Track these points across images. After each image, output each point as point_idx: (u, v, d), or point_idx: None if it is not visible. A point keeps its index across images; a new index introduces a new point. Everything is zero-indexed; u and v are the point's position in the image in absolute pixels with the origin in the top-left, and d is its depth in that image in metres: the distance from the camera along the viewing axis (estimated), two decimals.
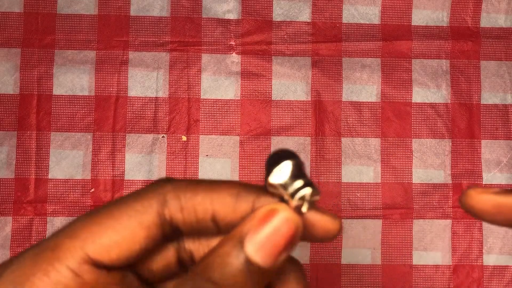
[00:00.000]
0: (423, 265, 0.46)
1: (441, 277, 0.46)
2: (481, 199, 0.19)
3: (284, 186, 0.18)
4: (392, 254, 0.46)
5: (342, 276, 0.46)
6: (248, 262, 0.17)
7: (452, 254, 0.46)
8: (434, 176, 0.47)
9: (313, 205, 0.19)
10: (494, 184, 0.47)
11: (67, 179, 0.46)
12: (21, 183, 0.45)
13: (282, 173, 0.18)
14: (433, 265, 0.46)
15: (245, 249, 0.17)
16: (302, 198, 0.18)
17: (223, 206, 0.18)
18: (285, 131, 0.47)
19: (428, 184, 0.47)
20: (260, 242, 0.17)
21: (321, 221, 0.19)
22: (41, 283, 0.16)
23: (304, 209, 0.18)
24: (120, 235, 0.17)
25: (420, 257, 0.46)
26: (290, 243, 0.18)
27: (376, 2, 0.48)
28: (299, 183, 0.18)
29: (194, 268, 0.17)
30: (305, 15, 0.48)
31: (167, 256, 0.19)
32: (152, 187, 0.18)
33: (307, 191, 0.18)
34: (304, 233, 0.19)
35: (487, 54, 0.48)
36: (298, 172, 0.18)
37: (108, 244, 0.17)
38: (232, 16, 0.48)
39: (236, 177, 0.46)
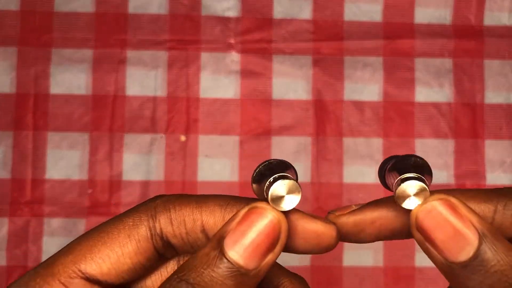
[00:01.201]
0: (426, 266, 0.46)
1: (444, 279, 0.46)
2: (341, 223, 0.19)
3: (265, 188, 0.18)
4: (394, 256, 0.46)
5: (344, 279, 0.46)
6: (228, 263, 0.16)
7: None
8: (437, 177, 0.47)
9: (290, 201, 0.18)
10: (497, 185, 0.47)
11: (64, 180, 0.45)
12: (18, 183, 0.45)
13: (262, 175, 0.18)
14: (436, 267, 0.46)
15: (223, 248, 0.16)
16: (278, 195, 0.17)
17: (212, 216, 0.18)
18: (286, 131, 0.47)
19: (431, 185, 0.47)
20: (239, 240, 0.16)
21: (312, 228, 0.18)
22: None
23: (285, 206, 0.17)
24: (110, 249, 0.17)
25: (423, 259, 0.46)
26: (271, 241, 0.17)
27: None
28: (272, 178, 0.17)
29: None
30: (306, 13, 0.48)
31: (166, 275, 0.19)
32: (143, 203, 0.19)
33: (280, 184, 0.17)
34: (296, 242, 0.18)
35: (490, 52, 0.48)
36: (278, 171, 0.18)
37: (99, 257, 0.17)
38: (231, 13, 0.47)
39: (235, 178, 0.46)
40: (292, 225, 0.18)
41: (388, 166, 0.19)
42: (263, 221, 0.17)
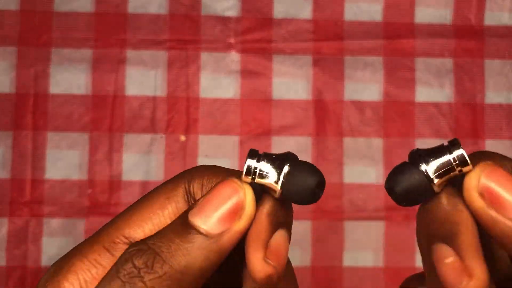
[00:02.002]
0: None
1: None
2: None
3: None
4: (394, 256, 0.46)
5: (344, 279, 0.45)
6: (193, 230, 0.17)
7: None
8: None
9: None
10: None
11: (63, 180, 0.45)
12: (17, 184, 0.45)
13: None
14: None
15: (188, 216, 0.17)
16: (250, 171, 0.17)
17: None
18: (286, 131, 0.46)
19: None
20: (203, 208, 0.17)
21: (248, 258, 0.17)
22: (79, 262, 0.17)
23: (262, 180, 0.17)
24: (151, 211, 0.18)
25: None
26: (234, 208, 0.17)
27: None
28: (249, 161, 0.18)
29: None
30: (306, 13, 0.48)
31: None
32: (187, 170, 0.19)
33: (251, 162, 0.17)
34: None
35: (491, 52, 0.48)
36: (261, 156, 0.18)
37: (142, 220, 0.18)
38: (231, 13, 0.47)
39: None
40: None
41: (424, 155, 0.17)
42: (227, 190, 0.17)
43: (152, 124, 0.46)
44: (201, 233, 0.16)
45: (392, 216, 0.46)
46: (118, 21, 0.47)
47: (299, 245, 0.46)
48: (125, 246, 0.17)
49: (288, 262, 0.19)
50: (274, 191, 0.18)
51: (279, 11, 0.48)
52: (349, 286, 0.45)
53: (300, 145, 0.46)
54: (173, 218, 0.18)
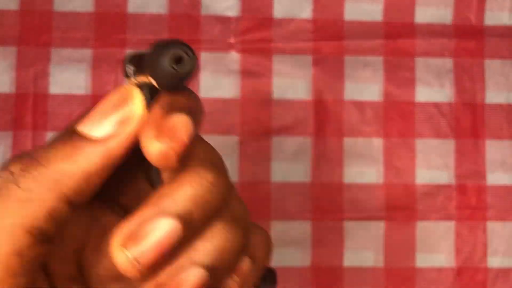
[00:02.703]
0: (427, 267, 0.46)
1: (445, 280, 0.46)
2: None
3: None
4: (395, 256, 0.46)
5: (344, 279, 0.45)
6: (80, 136, 0.16)
7: (456, 256, 0.46)
8: (438, 177, 0.47)
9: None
10: (499, 185, 0.47)
11: None
12: None
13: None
14: (437, 268, 0.46)
15: (75, 125, 0.17)
16: (129, 74, 0.17)
17: None
18: (286, 131, 0.47)
19: (432, 185, 0.47)
20: (90, 113, 0.17)
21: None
22: None
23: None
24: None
25: (423, 259, 0.46)
26: (117, 106, 0.17)
27: None
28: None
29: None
30: (306, 12, 0.48)
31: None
32: None
33: (128, 66, 0.17)
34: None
35: (491, 52, 0.48)
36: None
37: None
38: (231, 13, 0.47)
39: (235, 178, 0.46)
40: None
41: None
42: (114, 96, 0.17)
43: None
44: (86, 138, 0.16)
45: (393, 216, 0.46)
46: (118, 21, 0.47)
47: (299, 246, 0.46)
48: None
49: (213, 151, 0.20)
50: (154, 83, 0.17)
51: (279, 11, 0.48)
52: (350, 286, 0.45)
53: (300, 145, 0.46)
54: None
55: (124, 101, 0.16)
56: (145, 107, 0.17)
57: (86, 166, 0.16)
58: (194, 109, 0.18)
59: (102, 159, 0.16)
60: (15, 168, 0.16)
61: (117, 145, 0.16)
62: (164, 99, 0.17)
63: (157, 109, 0.16)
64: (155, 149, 0.15)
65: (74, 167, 0.16)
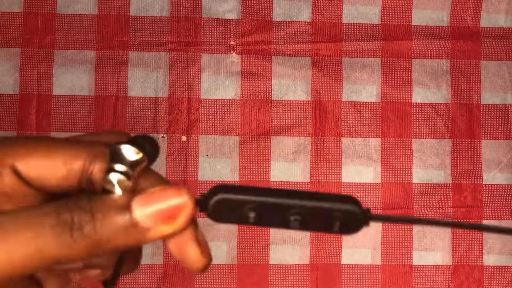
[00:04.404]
0: (423, 265, 0.46)
1: (441, 277, 0.46)
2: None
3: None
4: (392, 254, 0.46)
5: (342, 276, 0.46)
6: (127, 209, 0.18)
7: (452, 254, 0.46)
8: (434, 176, 0.47)
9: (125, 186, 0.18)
10: (494, 184, 0.47)
11: None
12: None
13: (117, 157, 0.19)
14: (433, 265, 0.46)
15: (133, 199, 0.18)
16: (110, 181, 0.18)
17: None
18: (285, 131, 0.47)
19: (428, 184, 0.47)
20: (149, 195, 0.18)
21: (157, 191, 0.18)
22: None
23: (117, 190, 0.18)
24: (47, 162, 0.18)
25: (420, 257, 0.46)
26: (171, 212, 0.18)
27: (376, 2, 0.48)
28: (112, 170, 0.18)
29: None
30: (305, 15, 0.48)
31: None
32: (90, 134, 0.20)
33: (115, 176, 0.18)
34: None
35: (487, 54, 0.48)
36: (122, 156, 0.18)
37: (35, 164, 0.18)
38: (232, 16, 0.47)
39: (236, 177, 0.46)
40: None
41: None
42: (174, 195, 0.18)
43: (154, 124, 0.46)
44: (131, 218, 0.17)
45: (390, 214, 0.46)
46: (120, 23, 0.47)
47: (298, 244, 0.46)
48: (15, 177, 0.18)
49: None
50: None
51: (278, 13, 0.48)
52: (348, 283, 0.46)
53: (299, 145, 0.47)
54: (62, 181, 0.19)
55: (180, 206, 0.18)
56: (187, 223, 0.18)
57: (120, 242, 0.17)
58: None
59: (130, 243, 0.17)
60: (77, 218, 0.17)
61: (148, 238, 0.18)
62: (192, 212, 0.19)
63: (195, 225, 0.19)
64: (202, 263, 0.19)
65: (112, 240, 0.17)
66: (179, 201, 0.18)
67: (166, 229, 0.18)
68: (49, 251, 0.16)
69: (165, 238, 0.18)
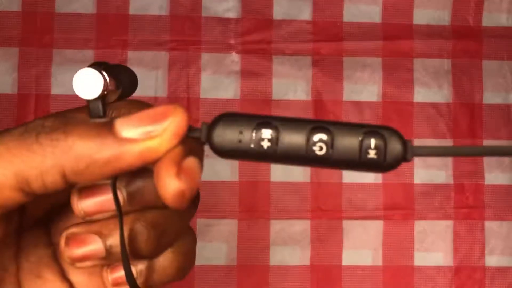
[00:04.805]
0: (425, 266, 0.46)
1: (442, 278, 0.46)
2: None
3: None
4: (393, 255, 0.46)
5: (343, 278, 0.46)
6: (108, 125, 0.16)
7: (454, 255, 0.46)
8: (436, 177, 0.47)
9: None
10: (496, 185, 0.47)
11: None
12: None
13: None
14: (435, 266, 0.46)
15: (116, 120, 0.17)
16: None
17: None
18: None
19: (430, 184, 0.47)
20: (133, 115, 0.17)
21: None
22: None
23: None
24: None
25: (421, 258, 0.46)
26: (152, 119, 0.17)
27: (377, 0, 0.48)
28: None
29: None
30: (305, 14, 0.48)
31: None
32: None
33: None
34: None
35: (489, 53, 0.48)
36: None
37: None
38: (232, 14, 0.47)
39: (236, 178, 0.46)
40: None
41: None
42: (160, 110, 0.17)
43: None
44: (114, 132, 0.16)
45: (391, 215, 0.46)
46: (119, 22, 0.47)
47: (299, 244, 0.46)
48: None
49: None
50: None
51: (278, 12, 0.48)
52: (349, 285, 0.46)
53: None
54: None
55: (164, 118, 0.16)
56: (179, 132, 0.16)
57: (94, 154, 0.16)
58: (202, 155, 0.18)
59: (112, 157, 0.16)
60: (48, 123, 0.16)
61: (131, 151, 0.16)
62: (183, 141, 0.17)
63: (179, 147, 0.16)
64: (174, 186, 0.15)
65: (86, 149, 0.15)
66: (164, 108, 0.16)
67: (152, 142, 0.16)
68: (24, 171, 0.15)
69: (153, 158, 0.16)
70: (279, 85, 0.47)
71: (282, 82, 0.47)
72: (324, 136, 0.15)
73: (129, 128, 0.16)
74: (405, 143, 0.16)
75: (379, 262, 0.46)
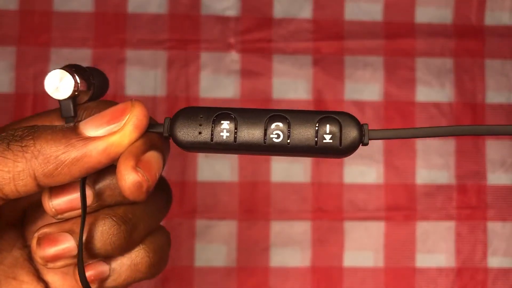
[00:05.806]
0: (427, 267, 0.46)
1: (445, 280, 0.46)
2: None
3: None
4: (395, 256, 0.46)
5: (344, 279, 0.45)
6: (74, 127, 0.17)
7: (456, 256, 0.46)
8: (438, 177, 0.47)
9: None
10: (499, 185, 0.47)
11: None
12: None
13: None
14: (437, 267, 0.46)
15: (80, 123, 0.18)
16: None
17: None
18: None
19: (432, 185, 0.46)
20: (96, 115, 0.18)
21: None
22: None
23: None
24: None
25: (423, 259, 0.46)
26: (113, 116, 0.18)
27: None
28: None
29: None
30: (306, 12, 0.48)
31: None
32: None
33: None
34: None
35: (491, 52, 0.48)
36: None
37: None
38: (231, 13, 0.47)
39: (235, 178, 0.46)
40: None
41: None
42: (120, 108, 0.18)
43: None
44: (79, 133, 0.17)
45: (392, 216, 0.46)
46: (117, 21, 0.47)
47: (299, 245, 0.45)
48: None
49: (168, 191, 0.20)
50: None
51: (279, 10, 0.47)
52: (350, 286, 0.45)
53: None
54: None
55: (123, 114, 0.17)
56: (137, 128, 0.17)
57: (61, 155, 0.17)
58: (165, 152, 0.19)
59: (79, 155, 0.17)
60: (18, 132, 0.17)
61: (94, 147, 0.17)
62: (145, 135, 0.18)
63: (140, 142, 0.17)
64: (131, 178, 0.16)
65: (52, 150, 0.16)
66: (123, 105, 0.17)
67: (114, 137, 0.17)
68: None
69: (117, 152, 0.17)
70: (279, 84, 0.47)
71: (282, 81, 0.47)
72: (280, 124, 0.16)
73: (93, 128, 0.17)
74: (360, 127, 0.17)
75: (381, 263, 0.46)
